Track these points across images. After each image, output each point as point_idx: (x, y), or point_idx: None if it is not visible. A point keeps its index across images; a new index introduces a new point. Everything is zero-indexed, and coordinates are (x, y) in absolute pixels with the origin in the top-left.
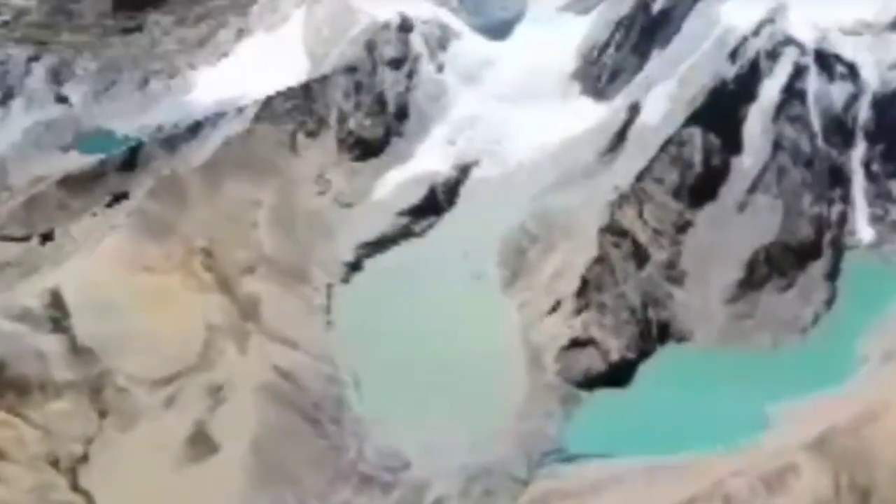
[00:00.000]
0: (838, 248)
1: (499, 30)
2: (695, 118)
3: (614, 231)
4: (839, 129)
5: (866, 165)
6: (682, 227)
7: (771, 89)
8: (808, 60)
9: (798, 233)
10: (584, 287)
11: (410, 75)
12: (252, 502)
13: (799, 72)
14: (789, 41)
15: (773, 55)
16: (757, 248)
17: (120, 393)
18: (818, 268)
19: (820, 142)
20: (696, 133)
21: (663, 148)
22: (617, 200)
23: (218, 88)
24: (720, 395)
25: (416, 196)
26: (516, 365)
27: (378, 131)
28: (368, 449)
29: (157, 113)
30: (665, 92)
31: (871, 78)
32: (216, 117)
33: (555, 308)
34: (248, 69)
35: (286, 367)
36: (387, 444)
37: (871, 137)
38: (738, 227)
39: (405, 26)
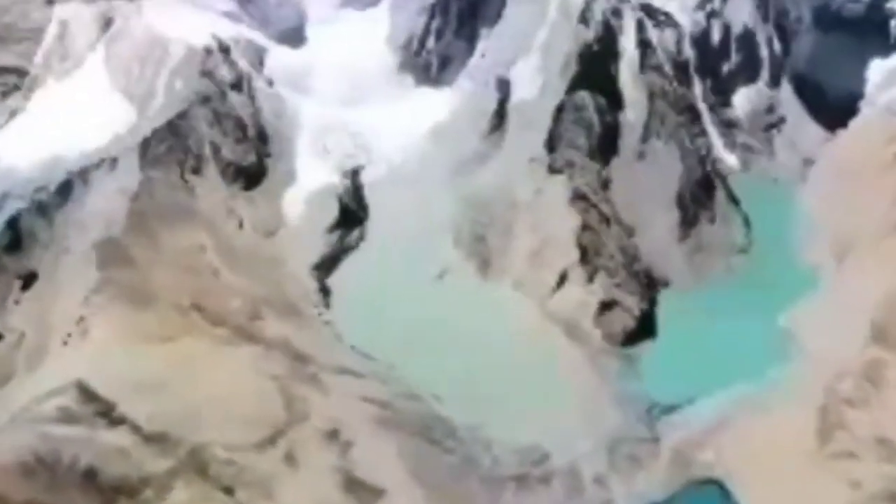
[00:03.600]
0: (722, 177)
1: (292, 36)
2: (577, 83)
3: (580, 198)
4: (680, 71)
5: (704, 99)
6: (605, 184)
7: (628, 44)
8: (641, 14)
9: (696, 169)
10: (585, 254)
11: (252, 95)
12: None
13: (641, 25)
14: None
15: (617, 14)
16: (676, 188)
17: (229, 465)
18: (721, 196)
19: (675, 85)
20: (586, 96)
21: (559, 115)
22: (565, 170)
23: (24, 149)
24: (737, 324)
25: (330, 210)
26: (553, 340)
27: (251, 156)
28: (501, 452)
29: None
30: (530, 66)
31: (684, 21)
32: (83, 173)
33: (562, 280)
34: (54, 122)
35: (374, 396)
36: (520, 441)
37: (700, 74)
38: (645, 174)
39: (223, 48)
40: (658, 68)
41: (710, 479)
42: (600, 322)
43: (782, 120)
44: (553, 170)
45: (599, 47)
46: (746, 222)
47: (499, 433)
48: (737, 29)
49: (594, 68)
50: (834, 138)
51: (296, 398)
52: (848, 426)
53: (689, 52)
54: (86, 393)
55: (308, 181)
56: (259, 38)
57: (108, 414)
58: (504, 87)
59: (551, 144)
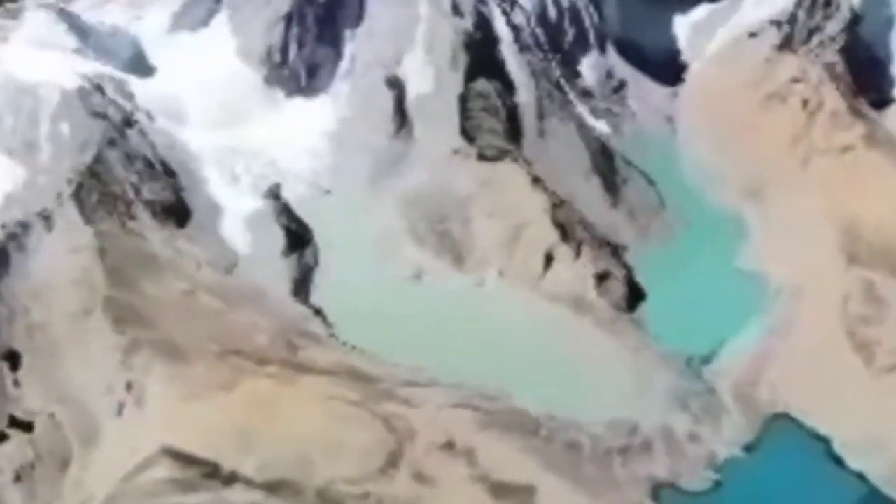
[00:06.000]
0: (602, 142)
1: (138, 67)
2: (473, 72)
3: (536, 180)
4: (539, 49)
5: (561, 73)
6: (528, 164)
7: (501, 28)
8: None
9: (593, 139)
10: (564, 232)
11: (142, 132)
12: None
13: (503, 9)
14: None
15: (483, 1)
16: (588, 158)
17: (365, 499)
18: (619, 159)
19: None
20: (486, 83)
21: (467, 105)
22: (505, 156)
23: None
24: (707, 273)
25: (275, 235)
26: (565, 319)
27: (169, 194)
28: (594, 430)
29: None
30: (416, 62)
31: (524, 2)
32: (14, 239)
33: (548, 261)
34: None
35: (461, 401)
36: (604, 417)
37: (551, 50)
38: (553, 150)
39: (96, 86)
40: (530, 48)
41: (779, 414)
42: (601, 293)
43: (624, 83)
44: (486, 158)
45: (480, 35)
46: (649, 181)
47: (575, 415)
48: (565, 3)
49: (482, 55)
50: (680, 93)
51: (391, 417)
52: (881, 342)
53: (538, 31)
54: (181, 458)
55: (234, 209)
56: (114, 72)
57: (217, 474)
58: (396, 85)
59: (469, 134)
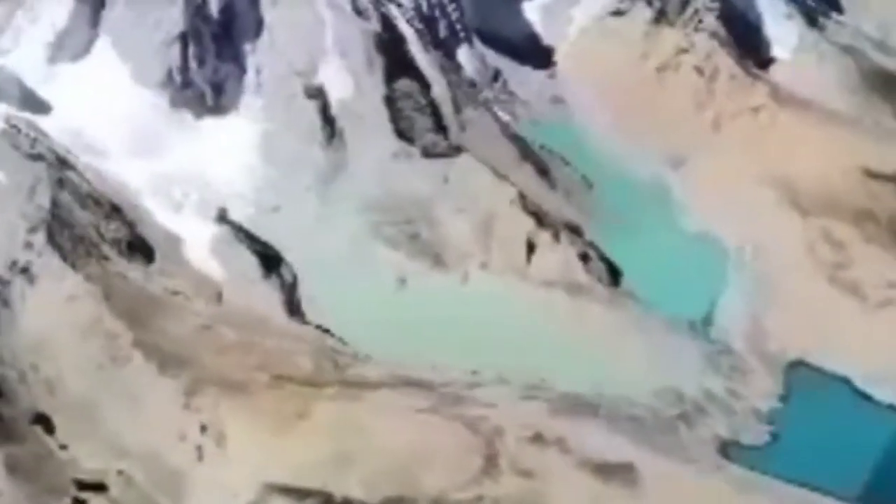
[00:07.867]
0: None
1: (32, 105)
2: (392, 72)
3: (496, 172)
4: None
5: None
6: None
7: (403, 26)
8: None
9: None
10: (539, 220)
11: (73, 168)
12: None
13: (398, 7)
14: None
15: (378, 1)
16: (513, 145)
17: (480, 501)
18: (533, 144)
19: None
20: (409, 83)
21: (395, 106)
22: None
23: None
24: (662, 242)
25: (246, 261)
26: (565, 302)
27: (125, 230)
28: (646, 402)
29: None
30: (331, 68)
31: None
32: None
33: (531, 249)
34: None
35: (525, 395)
36: (648, 388)
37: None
38: (477, 142)
39: (15, 127)
40: (434, 44)
41: (796, 363)
42: (591, 273)
43: (499, 71)
44: (434, 155)
45: (387, 35)
46: (567, 163)
47: (619, 391)
48: None
49: (395, 55)
50: (557, 76)
51: (468, 419)
52: (865, 281)
53: (420, 25)
54: (290, 492)
55: (191, 238)
56: (18, 112)
57: (332, 502)
58: (316, 94)
59: (406, 135)
